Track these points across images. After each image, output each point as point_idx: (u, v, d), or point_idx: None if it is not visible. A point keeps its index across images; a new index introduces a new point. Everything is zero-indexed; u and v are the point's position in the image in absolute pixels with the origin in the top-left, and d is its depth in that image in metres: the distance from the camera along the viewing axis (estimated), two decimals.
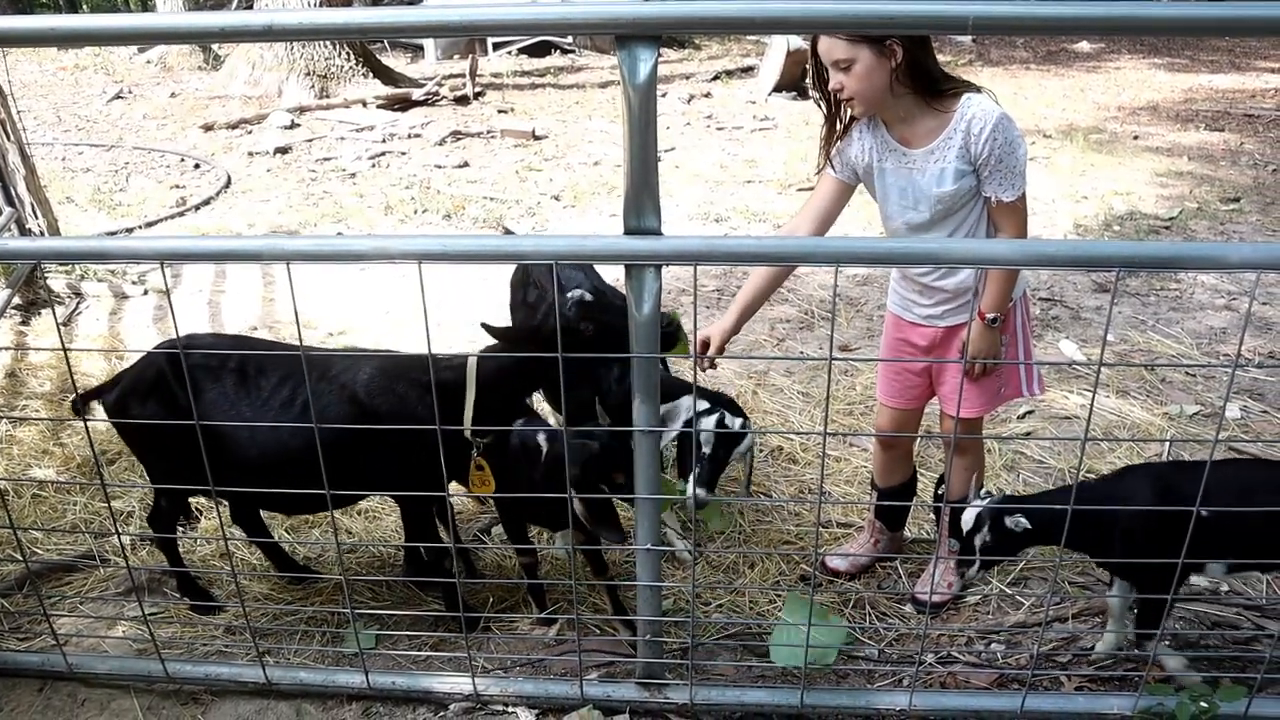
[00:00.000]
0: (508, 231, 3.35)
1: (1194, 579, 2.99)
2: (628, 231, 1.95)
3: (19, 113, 6.05)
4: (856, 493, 3.74)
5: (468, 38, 12.05)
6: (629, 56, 1.80)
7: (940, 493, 2.77)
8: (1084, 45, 17.00)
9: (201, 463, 2.33)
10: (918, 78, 2.45)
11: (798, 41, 12.38)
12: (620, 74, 1.82)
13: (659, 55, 1.81)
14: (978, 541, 2.52)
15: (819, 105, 2.66)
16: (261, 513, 3.24)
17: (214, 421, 2.61)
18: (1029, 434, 4.09)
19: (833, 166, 2.72)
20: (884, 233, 2.83)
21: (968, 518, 2.54)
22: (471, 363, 2.58)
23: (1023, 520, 2.45)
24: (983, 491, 2.60)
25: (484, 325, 2.57)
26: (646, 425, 2.14)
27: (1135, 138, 9.89)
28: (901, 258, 1.88)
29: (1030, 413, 4.26)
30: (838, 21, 1.76)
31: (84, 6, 37.92)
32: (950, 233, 2.61)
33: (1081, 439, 2.06)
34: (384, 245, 2.02)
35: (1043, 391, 2.99)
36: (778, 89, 12.30)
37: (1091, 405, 1.97)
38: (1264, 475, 2.62)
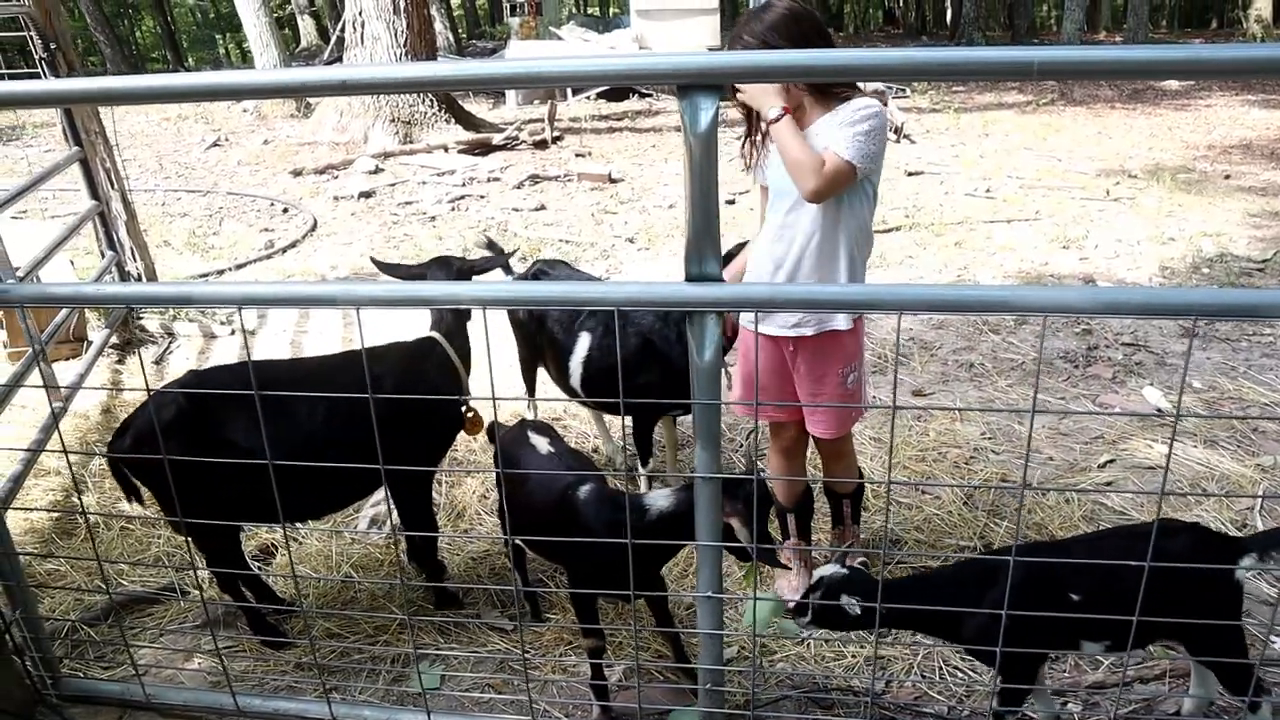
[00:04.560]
0: (490, 243, 3.94)
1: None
2: (689, 278, 1.97)
3: (124, 162, 6.37)
4: (928, 539, 3.65)
5: (536, 88, 12.35)
6: (690, 106, 1.82)
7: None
8: (1172, 83, 16.59)
9: (231, 494, 2.50)
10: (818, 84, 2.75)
11: (874, 84, 12.36)
12: (682, 123, 1.85)
13: (720, 104, 1.83)
14: (812, 600, 2.44)
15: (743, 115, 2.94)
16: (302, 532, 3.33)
17: (252, 444, 2.75)
18: (1110, 483, 3.95)
19: (764, 174, 2.95)
20: (760, 236, 3.01)
21: (818, 573, 2.50)
22: (439, 338, 3.22)
23: (855, 606, 2.38)
24: (859, 561, 2.55)
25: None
26: (707, 471, 2.13)
27: (1227, 177, 9.58)
28: (965, 304, 1.84)
29: (1111, 462, 4.12)
30: (899, 69, 1.76)
31: (189, 59, 40.02)
32: (830, 221, 2.79)
33: (1159, 493, 1.98)
34: (453, 292, 2.07)
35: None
36: None
37: (1169, 459, 1.90)
38: (1128, 551, 2.31)
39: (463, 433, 3.30)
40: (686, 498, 2.55)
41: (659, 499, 2.59)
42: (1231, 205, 8.39)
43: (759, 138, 2.92)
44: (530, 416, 4.29)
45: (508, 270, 4.03)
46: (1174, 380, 4.90)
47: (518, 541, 3.16)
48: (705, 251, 1.93)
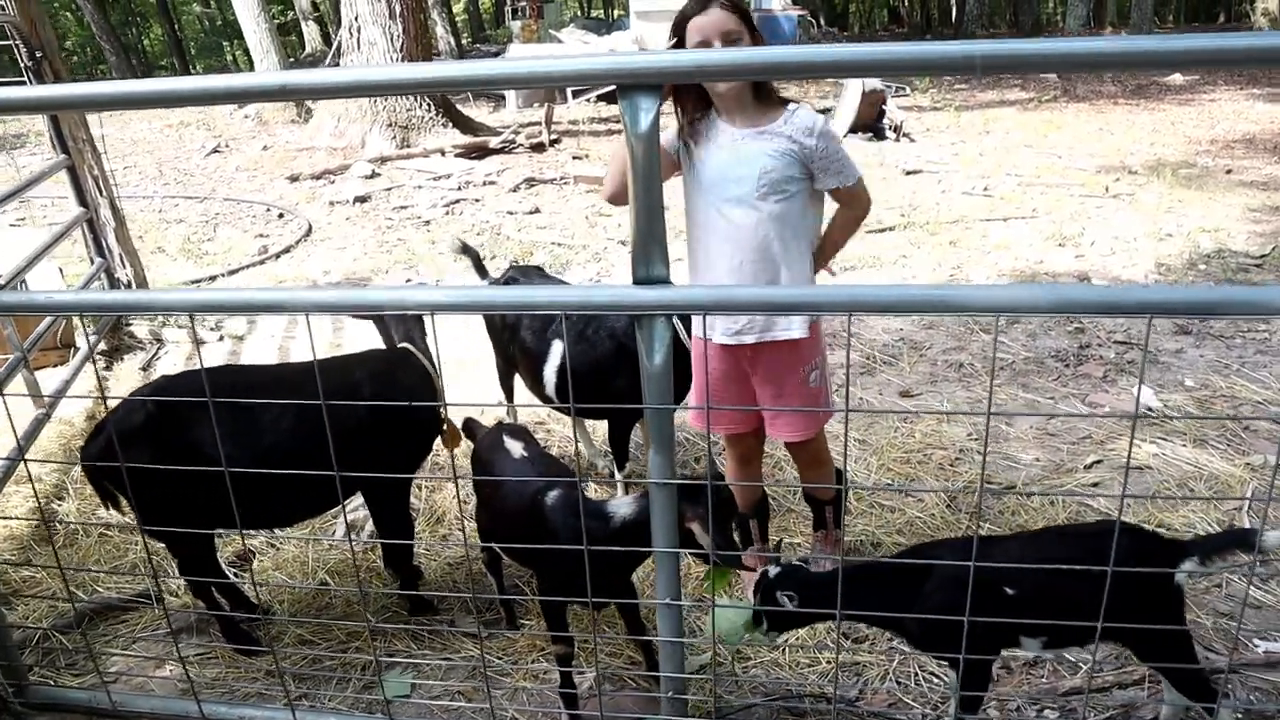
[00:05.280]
0: (465, 247, 3.96)
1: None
2: (636, 281, 1.93)
3: (125, 169, 6.38)
4: (909, 543, 3.60)
5: (477, 91, 12.20)
6: (630, 106, 1.79)
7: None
8: (1176, 78, 16.48)
9: (204, 500, 2.48)
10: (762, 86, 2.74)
11: (874, 83, 12.31)
12: (622, 123, 1.82)
13: (660, 104, 1.80)
14: (755, 605, 2.46)
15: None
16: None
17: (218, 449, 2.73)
18: (1097, 484, 3.90)
19: (696, 172, 2.83)
20: (691, 227, 2.92)
21: (754, 579, 2.50)
22: (410, 349, 3.22)
23: (787, 601, 2.39)
24: (795, 559, 2.60)
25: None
26: (661, 476, 2.10)
27: (1228, 172, 9.49)
28: (912, 305, 1.81)
29: (1099, 462, 4.07)
30: (836, 66, 1.73)
31: (196, 67, 40.17)
32: (776, 226, 2.75)
33: (1120, 495, 1.94)
34: (399, 296, 2.05)
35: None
36: (853, 130, 12.22)
37: (1129, 461, 1.86)
38: (1065, 548, 2.35)
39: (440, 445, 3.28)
40: (648, 504, 2.53)
41: (621, 505, 2.56)
42: (1232, 200, 8.31)
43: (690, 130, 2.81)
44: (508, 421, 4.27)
45: (483, 274, 4.01)
46: (1167, 379, 4.85)
47: (493, 546, 3.14)
48: (651, 253, 1.89)
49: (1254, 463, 3.98)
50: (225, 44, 43.30)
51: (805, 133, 2.72)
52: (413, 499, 3.97)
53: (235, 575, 3.53)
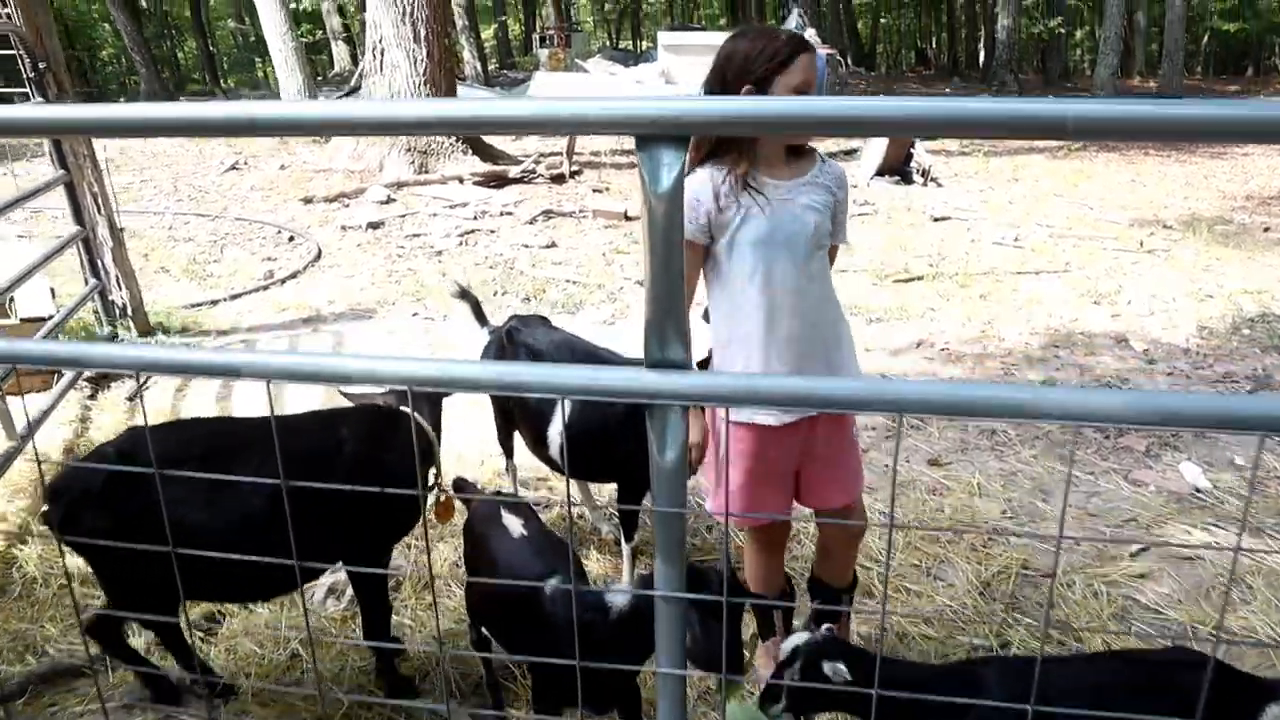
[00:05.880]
0: (463, 291, 3.86)
1: None
2: (650, 363, 1.64)
3: (128, 184, 6.18)
4: (937, 636, 3.28)
5: (452, 134, 11.76)
6: (650, 160, 1.51)
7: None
8: None
9: (166, 569, 2.18)
10: None
11: None
12: (640, 179, 1.54)
13: (685, 159, 1.52)
14: (787, 677, 2.15)
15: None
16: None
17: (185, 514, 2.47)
18: (1143, 576, 3.57)
19: (698, 233, 2.45)
20: (722, 299, 2.57)
21: (787, 646, 2.21)
22: (409, 410, 2.83)
23: (842, 669, 2.07)
24: (824, 627, 2.29)
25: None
26: (670, 589, 1.80)
27: (1266, 229, 9.18)
28: (976, 409, 1.51)
29: (1144, 550, 3.73)
30: (918, 123, 1.44)
31: (228, 82, 40.47)
32: (823, 286, 2.56)
33: (1215, 641, 1.63)
34: (372, 367, 1.76)
35: None
36: (880, 173, 11.98)
37: (1209, 535, 1.55)
38: (1125, 674, 2.16)
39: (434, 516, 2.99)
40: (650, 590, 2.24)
41: (619, 596, 2.27)
42: (1272, 260, 7.99)
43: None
44: (509, 482, 3.98)
45: (482, 321, 3.74)
46: (1215, 456, 4.51)
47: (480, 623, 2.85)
48: (668, 333, 1.60)
49: None
50: (257, 60, 43.63)
51: (838, 183, 2.58)
52: (401, 561, 3.68)
53: (202, 639, 3.25)
